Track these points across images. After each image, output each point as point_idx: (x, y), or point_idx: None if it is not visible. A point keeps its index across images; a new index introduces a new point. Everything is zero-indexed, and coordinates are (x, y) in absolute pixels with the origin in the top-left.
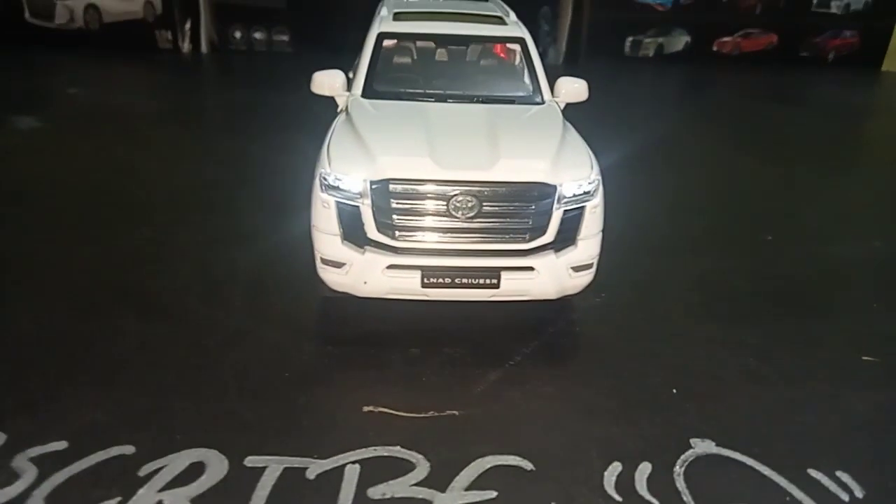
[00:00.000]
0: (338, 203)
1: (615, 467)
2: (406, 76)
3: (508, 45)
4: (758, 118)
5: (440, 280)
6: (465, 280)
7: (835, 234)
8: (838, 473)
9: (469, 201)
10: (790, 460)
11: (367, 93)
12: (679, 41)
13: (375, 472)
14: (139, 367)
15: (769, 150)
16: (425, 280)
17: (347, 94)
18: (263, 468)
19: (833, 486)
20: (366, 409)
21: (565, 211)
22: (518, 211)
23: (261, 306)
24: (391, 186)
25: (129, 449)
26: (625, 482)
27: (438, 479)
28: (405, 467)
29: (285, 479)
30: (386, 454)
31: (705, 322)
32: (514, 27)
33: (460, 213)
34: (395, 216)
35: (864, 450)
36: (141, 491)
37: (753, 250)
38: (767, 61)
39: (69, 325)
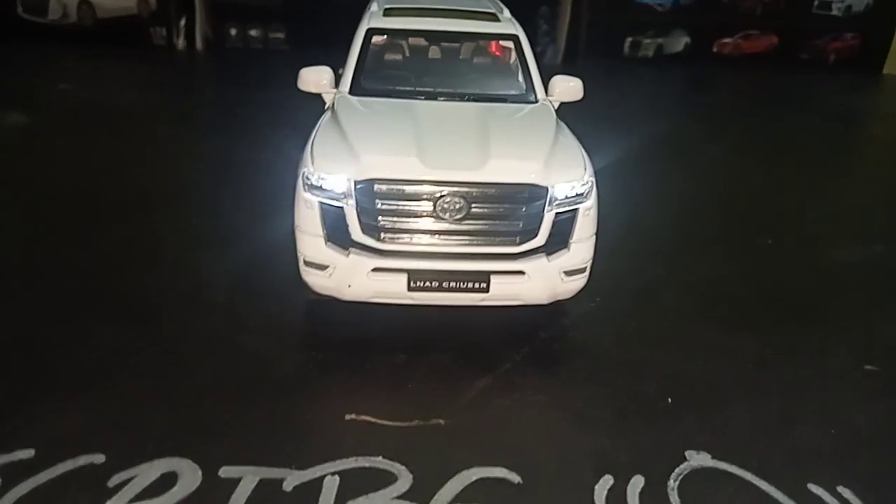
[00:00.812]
0: (321, 204)
1: (606, 480)
2: (395, 73)
3: (502, 43)
4: (758, 120)
5: (427, 284)
6: (453, 284)
7: (835, 238)
8: (839, 489)
9: (457, 203)
10: (789, 474)
11: (355, 90)
12: (679, 42)
13: (355, 483)
14: (112, 374)
15: (768, 152)
16: (412, 283)
17: (335, 91)
18: (238, 479)
19: (834, 502)
20: (348, 417)
21: (557, 213)
22: (508, 213)
23: (242, 310)
24: (376, 186)
25: (99, 458)
26: (616, 496)
27: (421, 492)
28: (386, 479)
29: (260, 490)
30: (367, 465)
31: (702, 329)
32: (508, 24)
33: (448, 214)
34: (380, 217)
35: (866, 464)
36: (109, 502)
37: (753, 254)
38: (768, 63)
39: (39, 331)
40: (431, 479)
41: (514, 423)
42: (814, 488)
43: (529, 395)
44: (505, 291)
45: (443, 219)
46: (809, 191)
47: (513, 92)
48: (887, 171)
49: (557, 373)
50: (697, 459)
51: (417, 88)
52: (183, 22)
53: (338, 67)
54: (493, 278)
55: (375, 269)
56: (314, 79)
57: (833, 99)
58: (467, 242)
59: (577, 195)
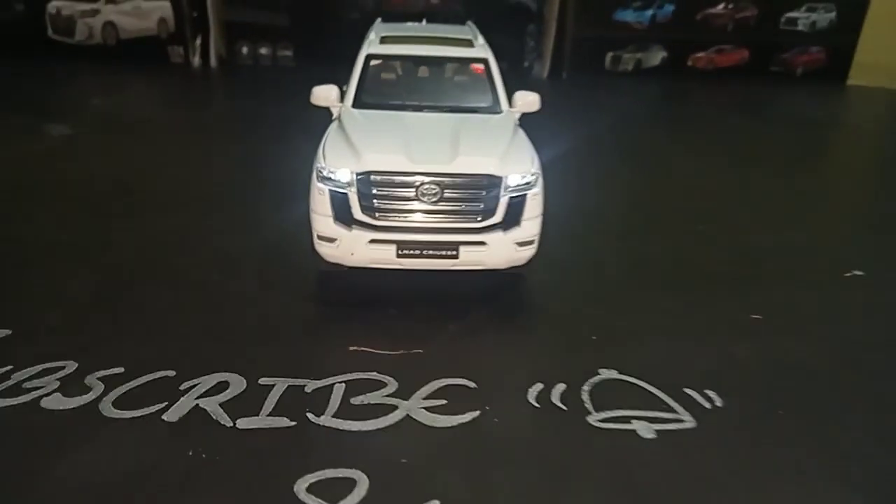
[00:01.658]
0: (330, 191)
1: (538, 386)
2: (389, 90)
3: (474, 65)
4: (722, 128)
5: (411, 251)
6: (431, 252)
7: (760, 227)
8: (706, 391)
9: (433, 189)
10: (673, 383)
11: (357, 104)
12: (656, 56)
13: (357, 388)
14: (174, 322)
15: (726, 156)
16: (399, 251)
17: (340, 104)
18: (272, 385)
19: (699, 398)
20: (351, 348)
21: (511, 197)
22: (473, 197)
23: (268, 278)
24: (372, 177)
25: (171, 373)
26: (543, 396)
27: (403, 392)
28: (379, 385)
29: (289, 393)
30: (365, 377)
31: (634, 292)
32: (480, 49)
33: (427, 198)
34: (375, 201)
35: (733, 379)
36: (182, 399)
37: (687, 240)
38: (740, 75)
39: (115, 291)
40: (411, 385)
41: (475, 352)
42: (688, 391)
43: (489, 335)
44: (471, 258)
45: (423, 201)
46: (752, 189)
47: (482, 105)
48: (827, 172)
49: (513, 321)
50: (607, 374)
51: (406, 102)
52: (198, 41)
53: (342, 84)
54: (462, 248)
55: (372, 241)
56: (324, 95)
57: (797, 108)
58: (442, 220)
59: (526, 183)
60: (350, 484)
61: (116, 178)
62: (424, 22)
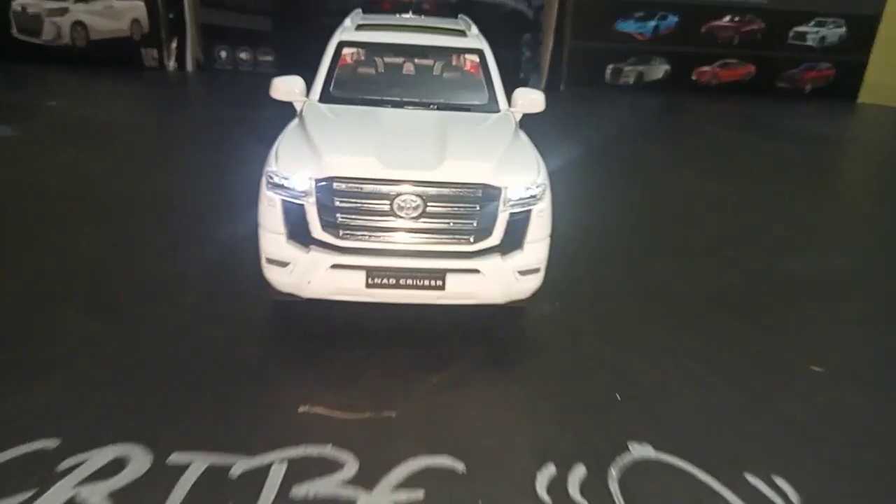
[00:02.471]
0: (283, 202)
1: (548, 470)
2: (364, 84)
3: (468, 57)
4: (734, 146)
5: (385, 280)
6: (410, 281)
7: (789, 251)
8: (774, 478)
9: (413, 201)
10: (727, 465)
11: (324, 97)
12: (659, 70)
13: (302, 470)
14: (78, 363)
15: (740, 175)
16: (370, 280)
17: (305, 99)
18: (187, 464)
19: (768, 491)
20: (301, 409)
21: (512, 214)
22: (463, 212)
23: (210, 307)
24: (335, 185)
25: (53, 442)
26: (557, 484)
27: (366, 478)
28: (334, 466)
29: (207, 476)
30: (315, 453)
31: (655, 330)
32: (474, 39)
33: (405, 212)
34: (339, 215)
35: (803, 456)
36: (58, 485)
37: (712, 265)
38: (745, 91)
39: (12, 320)
40: (378, 466)
41: (463, 415)
42: (750, 478)
43: (480, 390)
44: (461, 290)
45: (400, 217)
46: (772, 210)
47: (476, 102)
48: (850, 194)
49: (510, 370)
50: (640, 451)
51: (385, 97)
52: (174, 44)
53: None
54: (449, 276)
55: (334, 266)
56: (285, 87)
57: (809, 127)
58: (424, 240)
59: (531, 197)
60: None
61: (57, 186)
62: (410, 13)
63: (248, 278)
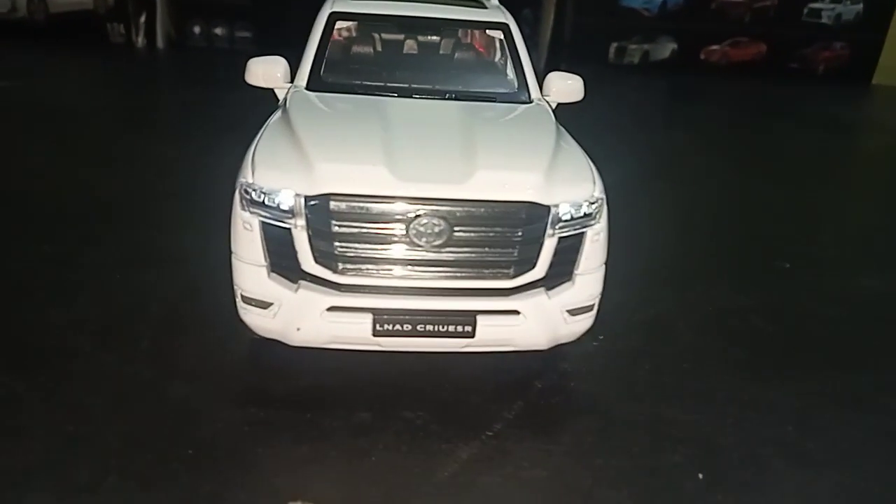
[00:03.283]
0: (263, 224)
1: None
2: (363, 66)
3: (489, 33)
4: (757, 133)
5: (397, 327)
6: (430, 327)
7: (859, 262)
8: None
9: (436, 225)
10: None
11: (314, 84)
12: (665, 48)
13: None
14: None
15: (770, 168)
16: (378, 326)
17: (290, 85)
18: None
19: None
20: None
21: (560, 238)
22: (500, 238)
23: (172, 349)
24: (333, 204)
25: None
26: None
27: None
28: None
29: None
30: None
31: (726, 375)
32: (496, 11)
33: (424, 240)
34: (337, 243)
35: None
36: None
37: (770, 281)
38: (756, 72)
39: None
40: None
41: None
42: None
43: (525, 469)
44: (495, 335)
45: (418, 245)
46: (818, 209)
47: (502, 90)
48: (893, 187)
49: (558, 437)
50: None
51: (388, 84)
52: (143, 18)
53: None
54: (481, 319)
55: (332, 308)
56: (264, 71)
57: (831, 110)
58: (449, 275)
59: (585, 216)
60: None
61: None
62: None
63: (220, 310)
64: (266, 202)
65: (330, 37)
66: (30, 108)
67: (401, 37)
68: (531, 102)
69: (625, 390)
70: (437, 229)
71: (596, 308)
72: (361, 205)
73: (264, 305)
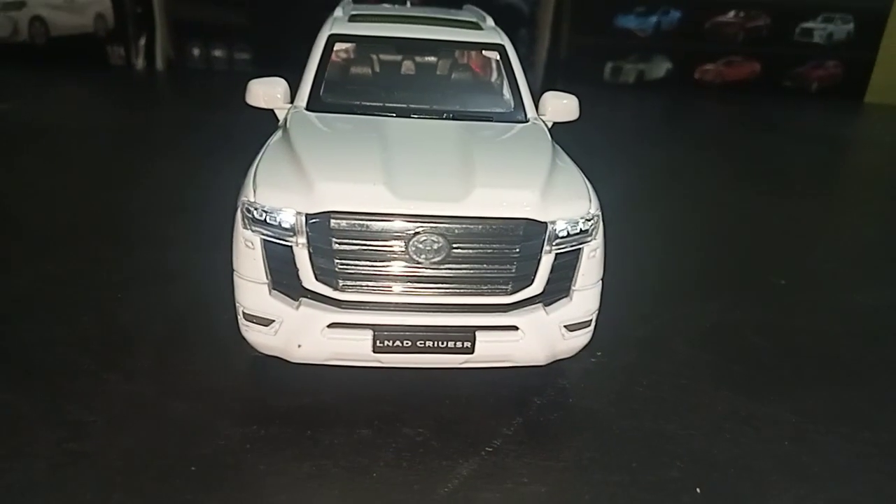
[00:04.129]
0: (265, 242)
1: None
2: (362, 87)
3: (485, 54)
4: (753, 150)
5: (397, 343)
6: (429, 343)
7: (854, 277)
8: None
9: (435, 242)
10: None
11: (313, 105)
12: (660, 68)
13: None
14: None
15: (765, 184)
16: (378, 343)
17: (289, 106)
18: None
19: None
20: None
21: (557, 255)
22: (498, 255)
23: (173, 367)
24: (333, 222)
25: None
26: None
27: None
28: None
29: None
30: None
31: (723, 390)
32: (492, 32)
33: (423, 257)
34: (338, 260)
35: None
36: None
37: (767, 297)
38: (750, 90)
39: None
40: None
41: None
42: None
43: (525, 485)
44: (494, 351)
45: (417, 262)
46: (814, 225)
47: (499, 109)
48: (888, 204)
49: (558, 453)
50: None
51: (387, 104)
52: (143, 41)
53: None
54: (480, 335)
55: (332, 325)
56: (264, 92)
57: (825, 128)
58: (447, 292)
59: (581, 232)
60: None
61: None
62: (409, 4)
63: (221, 328)
64: (268, 220)
65: (329, 58)
66: (30, 129)
67: (399, 58)
68: (527, 122)
69: (623, 406)
70: (436, 246)
71: (593, 324)
72: (361, 223)
73: (266, 322)
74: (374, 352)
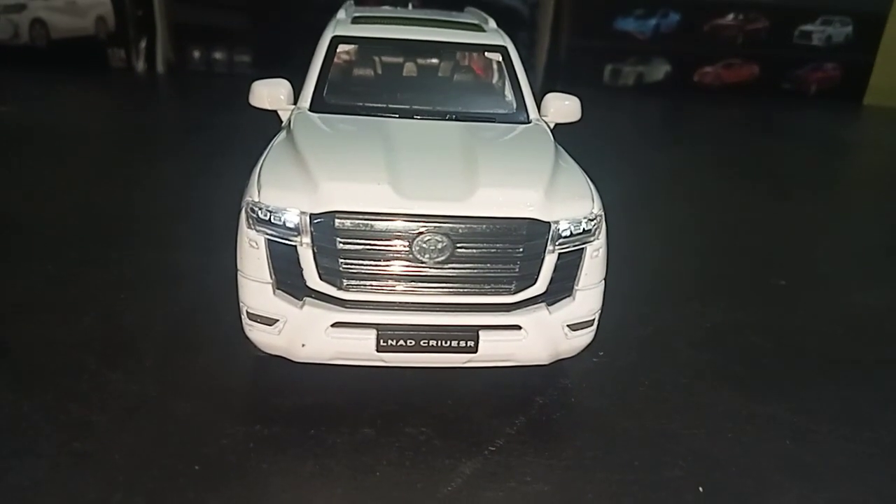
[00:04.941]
0: (269, 242)
1: None
2: (365, 88)
3: (488, 55)
4: (753, 152)
5: (401, 342)
6: (433, 342)
7: (854, 278)
8: None
9: (439, 242)
10: None
11: (316, 106)
12: (659, 70)
13: None
14: None
15: (765, 186)
16: (382, 342)
17: (293, 107)
18: None
19: None
20: None
21: (560, 254)
22: (501, 255)
23: (176, 367)
24: (338, 221)
25: None
26: None
27: None
28: None
29: None
30: None
31: (724, 390)
32: (494, 34)
33: (427, 256)
34: (342, 260)
35: None
36: None
37: (767, 298)
38: (749, 92)
39: None
40: None
41: None
42: None
43: (529, 483)
44: (497, 350)
45: (421, 262)
46: (811, 226)
47: (502, 110)
48: (887, 205)
49: (560, 452)
50: None
51: (390, 105)
52: (143, 44)
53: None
54: (483, 334)
55: (336, 324)
56: (268, 93)
57: (826, 130)
58: (451, 291)
59: (584, 232)
60: None
61: None
62: (411, 6)
63: (224, 328)
64: (272, 220)
65: (332, 60)
66: (31, 132)
67: (401, 60)
68: (530, 122)
69: (625, 405)
70: (439, 246)
71: (596, 323)
72: (366, 222)
73: (270, 322)
74: (378, 351)
